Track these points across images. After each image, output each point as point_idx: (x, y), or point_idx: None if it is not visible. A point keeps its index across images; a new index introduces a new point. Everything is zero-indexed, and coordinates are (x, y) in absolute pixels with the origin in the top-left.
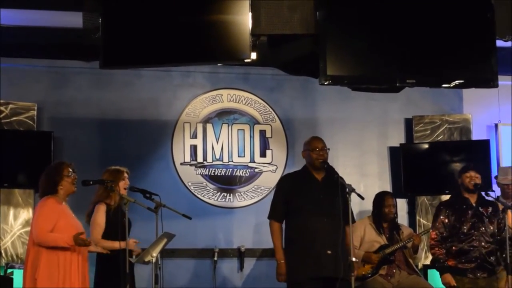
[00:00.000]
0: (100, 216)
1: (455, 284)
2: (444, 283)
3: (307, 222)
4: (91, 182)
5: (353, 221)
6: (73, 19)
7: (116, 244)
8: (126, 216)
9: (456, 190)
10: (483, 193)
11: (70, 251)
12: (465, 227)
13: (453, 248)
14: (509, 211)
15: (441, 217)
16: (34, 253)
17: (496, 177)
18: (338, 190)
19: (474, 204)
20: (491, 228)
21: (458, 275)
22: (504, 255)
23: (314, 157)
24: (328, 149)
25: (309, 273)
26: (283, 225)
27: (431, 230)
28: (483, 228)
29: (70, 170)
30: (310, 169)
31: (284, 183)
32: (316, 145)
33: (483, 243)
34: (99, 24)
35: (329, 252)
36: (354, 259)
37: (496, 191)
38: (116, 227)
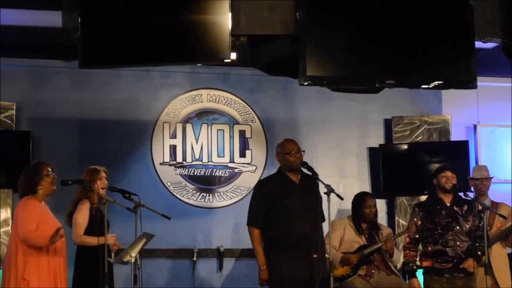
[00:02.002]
0: (84, 213)
1: None
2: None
3: (288, 224)
4: (69, 182)
5: (323, 219)
6: (52, 19)
7: (95, 240)
8: (105, 216)
9: (430, 191)
10: (460, 194)
11: (57, 252)
12: (439, 228)
13: (429, 248)
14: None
15: (414, 219)
16: (21, 253)
17: (469, 177)
18: (316, 190)
19: (448, 204)
20: (467, 226)
21: (435, 275)
22: (479, 252)
23: (291, 160)
24: (303, 151)
25: (291, 274)
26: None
27: (405, 233)
28: (458, 228)
29: (49, 169)
30: (286, 171)
31: (262, 188)
32: (292, 147)
33: (458, 243)
34: (78, 23)
35: (315, 255)
36: (327, 255)
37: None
38: (95, 226)
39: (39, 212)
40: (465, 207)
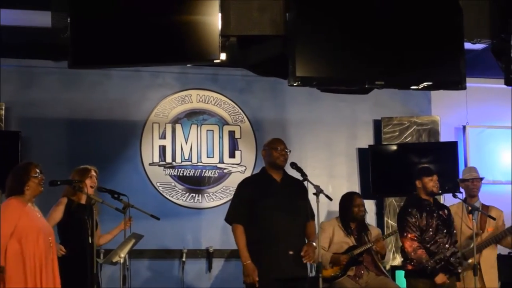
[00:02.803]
0: (58, 211)
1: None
2: (439, 283)
3: (268, 224)
4: (58, 183)
5: (313, 218)
6: (41, 19)
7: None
8: (95, 216)
9: (413, 192)
10: (449, 195)
11: (43, 254)
12: (430, 230)
13: None
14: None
15: (413, 220)
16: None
17: (459, 179)
18: (298, 189)
19: (433, 207)
20: (451, 230)
21: (422, 278)
22: (463, 254)
23: (275, 156)
24: (289, 151)
25: (272, 274)
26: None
27: (407, 233)
28: (446, 230)
29: (38, 171)
30: (269, 169)
31: (244, 186)
32: (278, 144)
33: (446, 245)
34: (68, 23)
35: (291, 252)
36: (313, 243)
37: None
38: (74, 224)
39: (19, 214)
40: (446, 212)
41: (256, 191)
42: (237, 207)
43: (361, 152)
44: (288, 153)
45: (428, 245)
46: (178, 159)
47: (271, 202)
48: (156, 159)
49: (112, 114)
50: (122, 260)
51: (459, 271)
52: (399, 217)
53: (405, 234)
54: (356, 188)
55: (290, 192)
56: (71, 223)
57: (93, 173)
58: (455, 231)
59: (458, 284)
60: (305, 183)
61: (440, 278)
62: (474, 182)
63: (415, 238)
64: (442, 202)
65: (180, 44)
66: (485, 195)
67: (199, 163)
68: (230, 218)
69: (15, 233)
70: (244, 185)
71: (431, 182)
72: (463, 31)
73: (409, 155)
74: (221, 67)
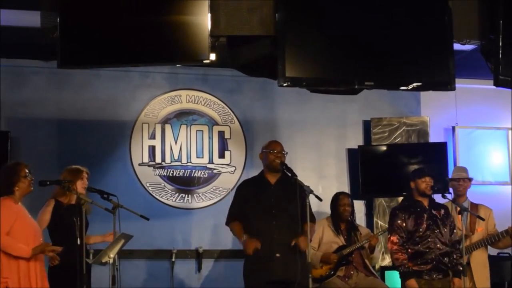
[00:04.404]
0: (46, 212)
1: None
2: None
3: (258, 226)
4: (48, 183)
5: (313, 220)
6: (31, 18)
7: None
8: (84, 216)
9: (408, 194)
10: (439, 195)
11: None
12: (421, 230)
13: (409, 250)
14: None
15: (399, 222)
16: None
17: (449, 178)
18: (293, 192)
19: (427, 207)
20: (445, 230)
21: (414, 277)
22: (455, 256)
23: (271, 158)
24: (286, 153)
25: (263, 277)
26: None
27: (390, 235)
28: (438, 230)
29: (27, 171)
30: (266, 172)
31: (241, 188)
32: (275, 147)
33: (438, 245)
34: (57, 23)
35: (277, 255)
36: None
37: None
38: (62, 225)
39: (15, 213)
40: (442, 212)
41: (250, 194)
42: (233, 208)
43: (351, 152)
44: (285, 155)
45: (418, 246)
46: (167, 160)
47: (259, 205)
48: (146, 159)
49: (101, 114)
50: (111, 261)
51: (460, 268)
52: (389, 218)
53: (389, 235)
54: (346, 189)
55: (284, 195)
56: (59, 224)
57: (85, 174)
58: (455, 230)
59: (456, 282)
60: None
61: (411, 283)
62: (460, 182)
63: (397, 241)
64: None
65: (169, 44)
66: (473, 196)
67: (188, 164)
68: (227, 219)
69: (10, 233)
70: (240, 187)
71: (423, 184)
72: (452, 32)
73: (398, 156)
74: (211, 67)
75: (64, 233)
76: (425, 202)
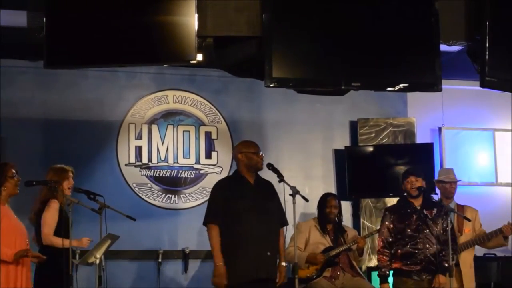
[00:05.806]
0: (53, 213)
1: None
2: None
3: (242, 225)
4: (34, 183)
5: (284, 223)
6: (17, 18)
7: (66, 242)
8: (70, 217)
9: (401, 195)
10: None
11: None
12: (409, 230)
13: (399, 251)
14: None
15: (386, 223)
16: None
17: (436, 180)
18: (271, 192)
19: (418, 208)
20: (436, 229)
21: (404, 277)
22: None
23: (256, 160)
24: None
25: (246, 276)
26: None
27: (378, 236)
28: (427, 231)
29: (14, 171)
30: (244, 172)
31: (219, 188)
32: (257, 149)
33: (427, 245)
34: (44, 23)
35: (268, 253)
36: (283, 263)
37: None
38: (61, 227)
39: (1, 214)
40: (434, 211)
41: (230, 193)
42: (212, 208)
43: (337, 153)
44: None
45: (407, 246)
46: (154, 160)
47: (245, 204)
48: (132, 159)
49: (88, 115)
50: (97, 261)
51: (446, 265)
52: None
53: (378, 236)
54: (332, 189)
55: (264, 194)
56: (56, 225)
57: (70, 174)
58: (447, 228)
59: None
60: (282, 184)
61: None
62: (452, 185)
63: (382, 242)
64: None
65: (156, 44)
66: (460, 197)
67: (175, 164)
68: (206, 219)
69: None
70: (218, 187)
71: (408, 184)
72: (439, 33)
73: (385, 157)
74: (198, 67)
75: (56, 233)
76: (417, 202)
